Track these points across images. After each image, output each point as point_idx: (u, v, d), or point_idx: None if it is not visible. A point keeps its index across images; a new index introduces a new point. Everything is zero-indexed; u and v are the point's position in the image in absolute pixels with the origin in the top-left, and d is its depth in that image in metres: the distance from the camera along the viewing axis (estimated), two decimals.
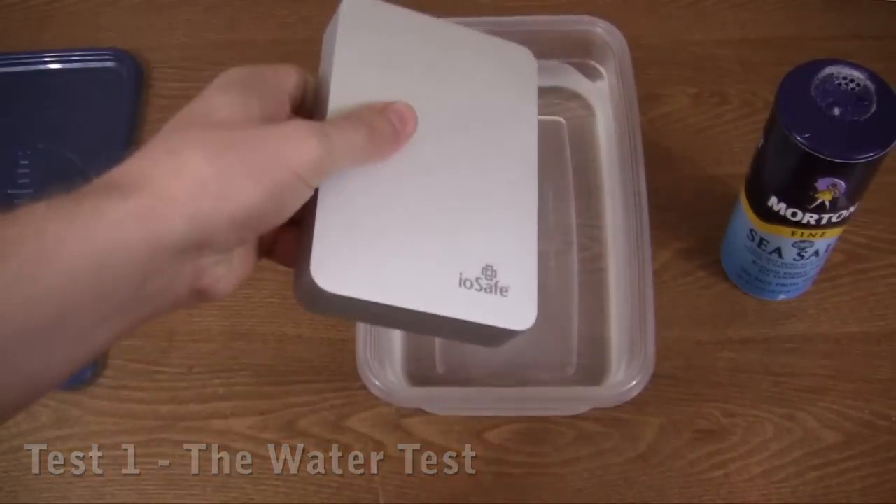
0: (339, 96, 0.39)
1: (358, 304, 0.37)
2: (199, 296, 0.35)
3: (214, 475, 0.57)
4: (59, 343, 0.31)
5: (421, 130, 0.39)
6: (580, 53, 0.65)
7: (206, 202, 0.31)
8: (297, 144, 0.33)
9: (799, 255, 0.55)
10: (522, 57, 0.44)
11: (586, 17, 0.62)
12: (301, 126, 0.34)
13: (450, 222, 0.39)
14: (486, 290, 0.38)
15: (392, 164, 0.38)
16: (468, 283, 0.38)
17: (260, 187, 0.32)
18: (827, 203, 0.50)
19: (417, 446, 0.57)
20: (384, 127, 0.37)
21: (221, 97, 0.35)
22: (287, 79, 0.38)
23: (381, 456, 0.57)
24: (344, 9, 0.40)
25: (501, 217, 0.40)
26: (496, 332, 0.38)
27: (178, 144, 0.32)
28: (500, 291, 0.38)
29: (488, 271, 0.39)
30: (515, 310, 0.39)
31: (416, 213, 0.39)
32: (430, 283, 0.38)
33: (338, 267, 0.36)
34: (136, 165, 0.32)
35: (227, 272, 0.36)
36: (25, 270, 0.30)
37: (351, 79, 0.39)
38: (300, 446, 0.57)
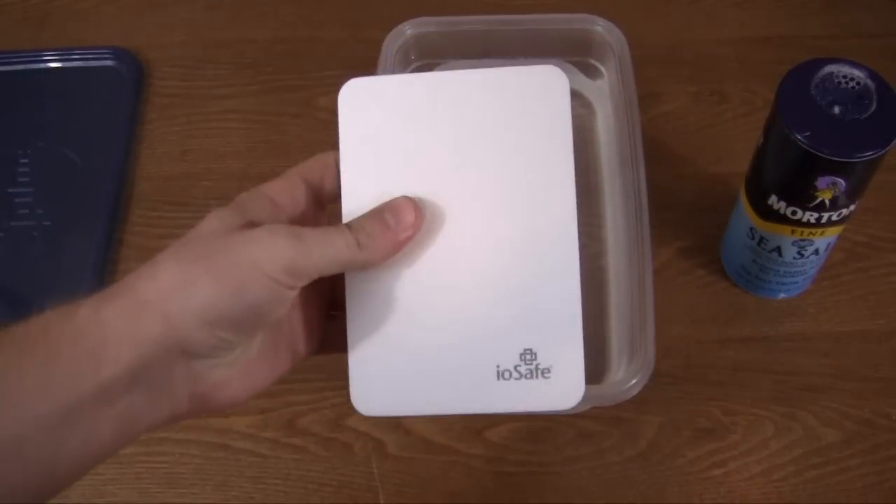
0: (351, 194, 0.38)
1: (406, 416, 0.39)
2: (202, 403, 0.37)
3: (214, 474, 0.57)
4: (67, 436, 0.33)
5: (442, 209, 0.38)
6: (580, 52, 0.65)
7: (174, 303, 0.34)
8: (266, 246, 0.35)
9: (799, 253, 0.55)
10: (549, 81, 0.39)
11: (586, 16, 0.62)
12: (274, 229, 0.35)
13: (482, 312, 0.38)
14: (525, 376, 0.37)
15: (416, 257, 0.38)
16: (506, 375, 0.37)
17: (222, 287, 0.34)
18: (827, 202, 0.50)
19: (417, 445, 0.57)
20: (373, 228, 0.37)
21: (213, 213, 0.37)
22: (290, 184, 0.39)
23: (381, 454, 0.57)
24: (342, 97, 0.39)
25: (539, 290, 0.38)
26: (542, 412, 0.38)
27: (161, 256, 0.35)
28: (542, 374, 0.37)
29: (527, 355, 0.37)
30: (559, 389, 0.37)
31: (445, 310, 0.38)
32: (467, 385, 0.38)
33: (374, 392, 0.38)
34: (128, 277, 0.35)
35: (229, 379, 0.37)
36: (36, 364, 0.32)
37: (360, 171, 0.39)
38: (300, 445, 0.57)
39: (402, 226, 0.37)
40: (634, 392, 0.50)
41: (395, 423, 0.58)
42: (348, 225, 0.37)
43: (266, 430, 0.58)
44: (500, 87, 0.39)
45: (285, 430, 0.58)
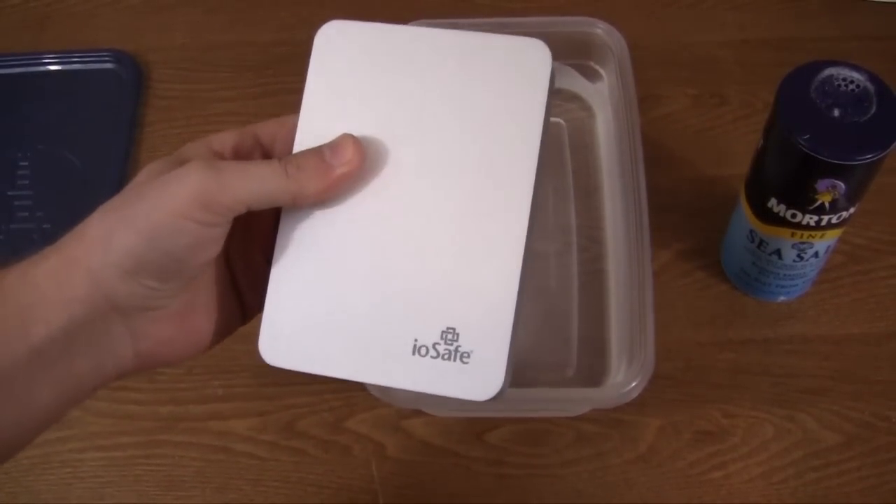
0: (306, 135, 0.37)
1: (310, 373, 0.37)
2: (148, 359, 0.36)
3: (214, 476, 0.57)
4: (3, 403, 0.32)
5: (392, 168, 0.36)
6: (580, 55, 0.65)
7: (95, 258, 0.33)
8: (176, 184, 0.33)
9: (798, 256, 0.55)
10: (532, 55, 0.37)
11: (586, 19, 0.62)
12: (190, 164, 0.34)
13: (412, 281, 0.36)
14: (443, 356, 0.35)
15: (354, 212, 0.36)
16: (423, 351, 0.35)
17: (138, 235, 0.33)
18: (827, 204, 0.50)
19: (417, 447, 0.57)
20: (306, 160, 0.35)
21: (149, 166, 0.36)
22: (239, 134, 0.38)
23: (380, 457, 0.57)
24: (319, 37, 0.38)
25: (475, 269, 0.35)
26: (454, 399, 0.35)
27: (91, 215, 0.34)
28: (461, 357, 0.35)
29: (449, 335, 0.35)
30: (475, 378, 0.35)
31: (373, 272, 0.36)
32: (379, 353, 0.35)
33: (284, 342, 0.36)
34: (62, 238, 0.34)
35: (172, 335, 0.36)
36: None
37: (319, 114, 0.38)
38: (300, 447, 0.57)
39: (338, 160, 0.35)
40: (634, 395, 0.50)
41: (395, 426, 0.58)
42: (281, 158, 0.36)
43: (265, 432, 0.58)
44: (479, 52, 0.37)
45: (284, 433, 0.58)
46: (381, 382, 0.36)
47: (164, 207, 0.33)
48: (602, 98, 0.66)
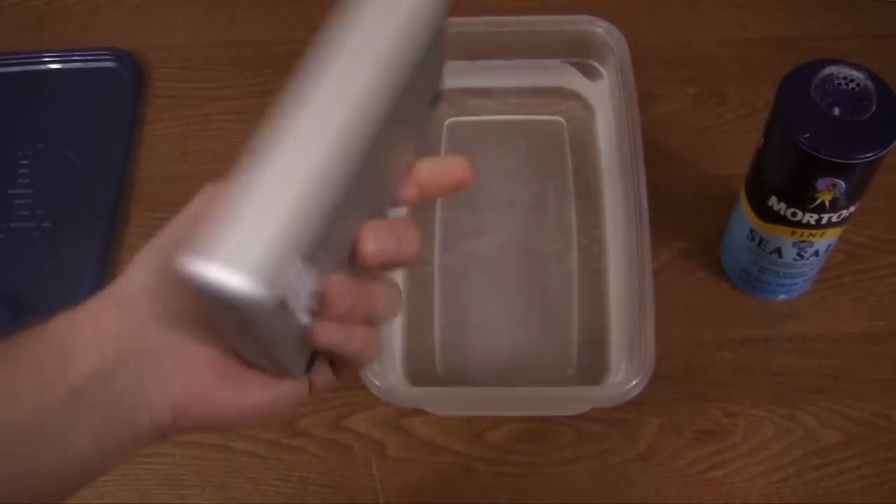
0: None
1: None
2: (186, 411, 0.33)
3: (214, 475, 0.57)
4: (41, 443, 0.31)
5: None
6: (580, 53, 0.65)
7: (124, 286, 0.34)
8: (195, 200, 0.34)
9: (799, 255, 0.55)
10: None
11: (586, 17, 0.63)
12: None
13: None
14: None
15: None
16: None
17: (158, 250, 0.34)
18: (827, 203, 0.50)
19: (417, 446, 0.57)
20: None
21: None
22: None
23: (381, 456, 0.57)
24: None
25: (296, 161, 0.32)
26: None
27: None
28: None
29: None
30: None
31: None
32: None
33: None
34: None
35: (210, 385, 0.34)
36: (4, 367, 0.32)
37: None
38: (300, 446, 0.57)
39: None
40: (634, 393, 0.50)
41: (395, 425, 0.58)
42: None
43: (266, 431, 0.58)
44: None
45: (285, 432, 0.58)
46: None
47: (187, 217, 0.34)
48: (602, 97, 0.66)
